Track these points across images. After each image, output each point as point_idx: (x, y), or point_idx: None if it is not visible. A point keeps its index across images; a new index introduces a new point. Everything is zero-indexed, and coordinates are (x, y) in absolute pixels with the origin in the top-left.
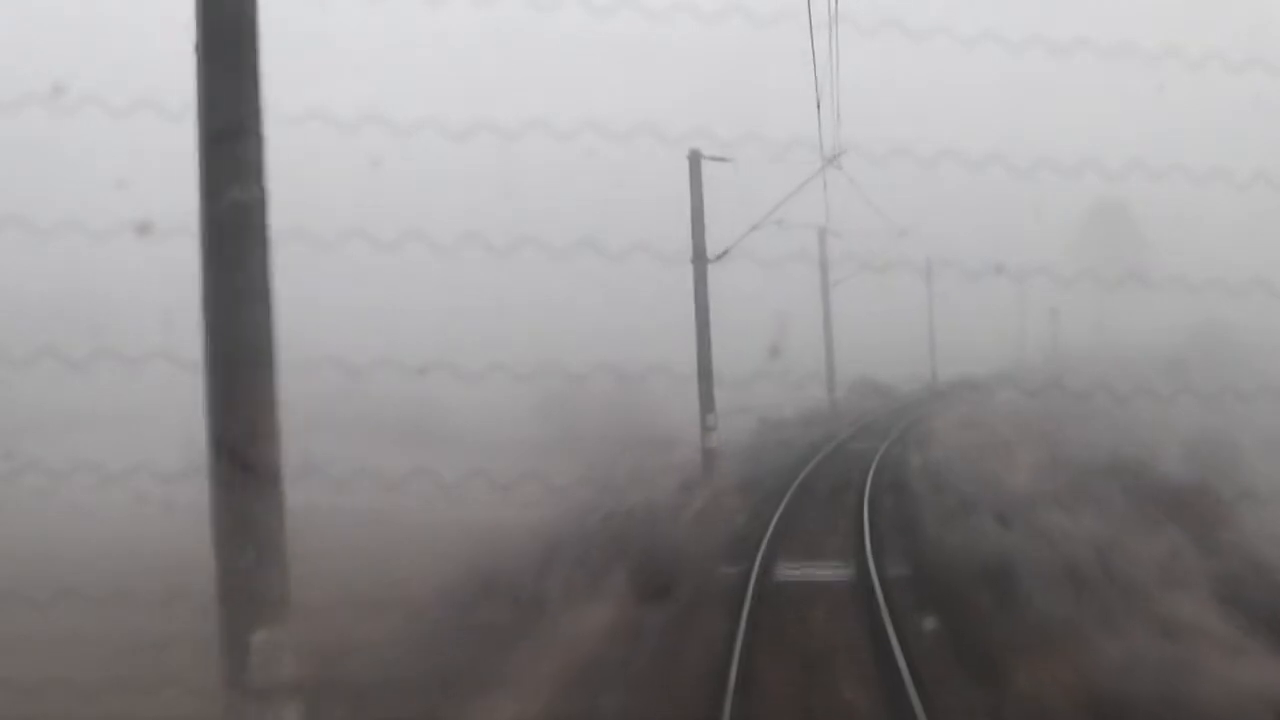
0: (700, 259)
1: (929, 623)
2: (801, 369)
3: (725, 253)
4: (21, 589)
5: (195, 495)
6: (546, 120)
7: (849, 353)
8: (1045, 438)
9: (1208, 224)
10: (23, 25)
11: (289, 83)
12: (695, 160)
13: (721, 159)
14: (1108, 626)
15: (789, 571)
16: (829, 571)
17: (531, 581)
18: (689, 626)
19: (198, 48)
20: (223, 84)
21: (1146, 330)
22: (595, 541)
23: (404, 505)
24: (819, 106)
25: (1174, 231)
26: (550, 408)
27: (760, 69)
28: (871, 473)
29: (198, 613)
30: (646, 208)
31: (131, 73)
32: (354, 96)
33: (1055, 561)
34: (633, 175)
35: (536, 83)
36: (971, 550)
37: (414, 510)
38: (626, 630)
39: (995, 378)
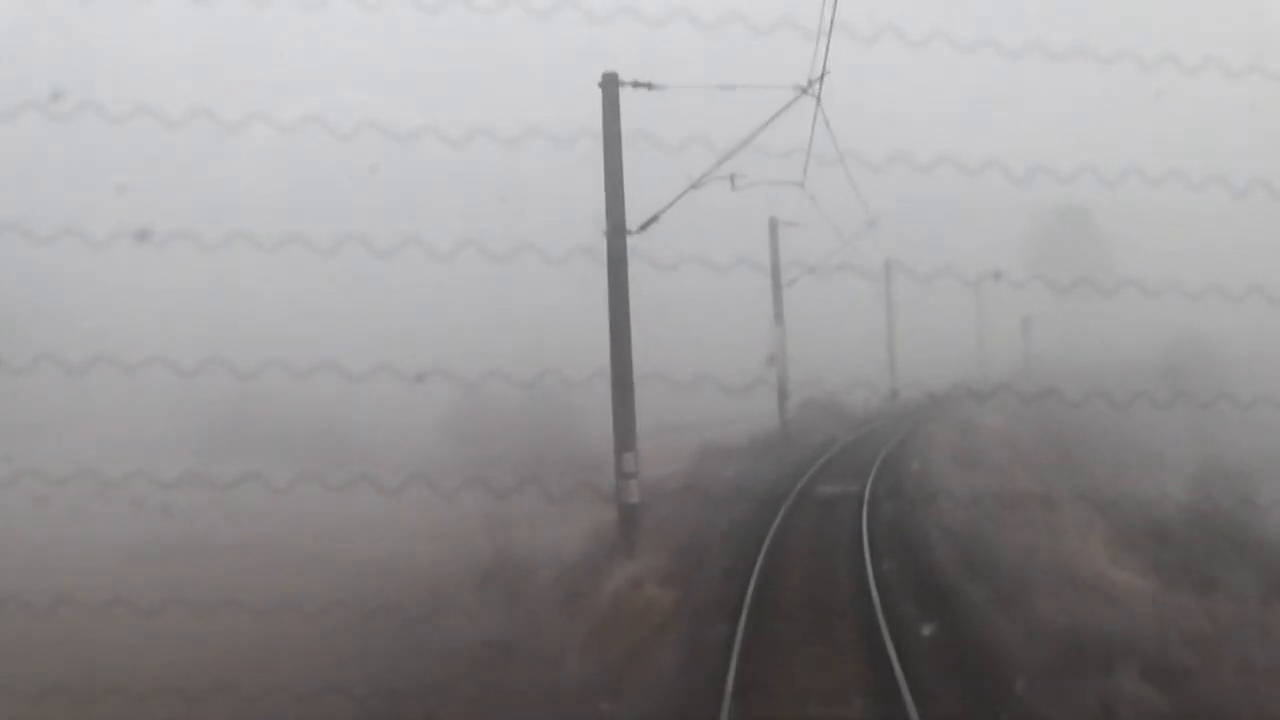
0: (617, 231)
1: None
2: (748, 379)
3: (654, 220)
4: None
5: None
6: (544, 127)
7: (795, 360)
8: (1073, 478)
9: (1204, 229)
10: (21, 31)
11: (288, 90)
12: (610, 87)
13: (647, 85)
14: None
15: None
16: None
17: None
18: None
19: None
20: None
21: (1116, 340)
22: None
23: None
24: (817, 106)
25: (1171, 236)
26: (465, 425)
27: (759, 76)
28: (868, 545)
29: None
30: (644, 215)
31: (130, 79)
32: (352, 104)
33: None
34: (631, 182)
35: (534, 90)
36: None
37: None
38: None
39: (966, 392)
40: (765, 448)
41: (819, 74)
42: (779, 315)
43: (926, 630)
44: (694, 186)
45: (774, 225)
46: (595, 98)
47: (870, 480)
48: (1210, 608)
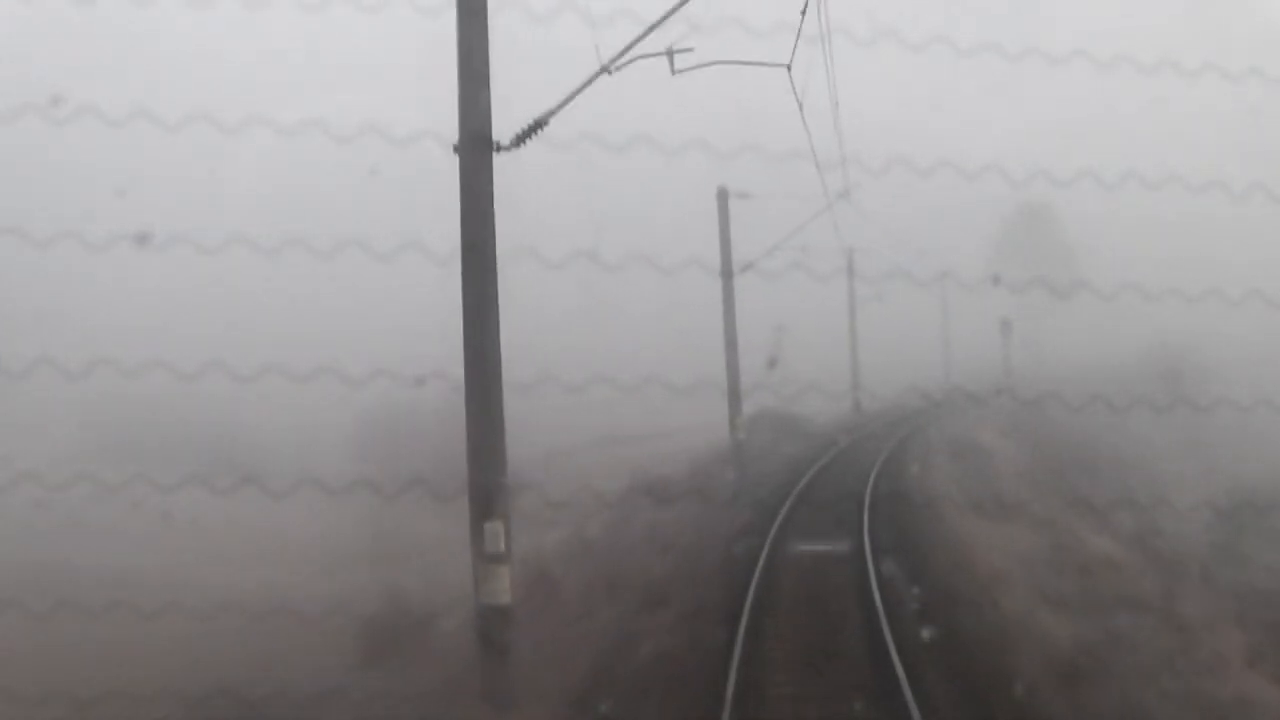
0: (476, 143)
1: None
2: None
3: (537, 127)
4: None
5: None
6: (543, 131)
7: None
8: (1142, 534)
9: (1193, 232)
10: (20, 35)
11: (287, 93)
12: None
13: None
14: None
15: None
16: None
17: None
18: None
19: None
20: None
21: (1088, 345)
22: None
23: None
24: (800, 106)
25: (1152, 240)
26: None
27: (759, 82)
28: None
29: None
30: (644, 219)
31: (129, 82)
32: (352, 106)
33: None
34: (630, 186)
35: (533, 94)
36: None
37: None
38: None
39: (962, 397)
40: (714, 479)
41: None
42: (730, 315)
43: None
44: (606, 70)
45: (723, 197)
46: (595, 100)
47: (866, 534)
48: None
